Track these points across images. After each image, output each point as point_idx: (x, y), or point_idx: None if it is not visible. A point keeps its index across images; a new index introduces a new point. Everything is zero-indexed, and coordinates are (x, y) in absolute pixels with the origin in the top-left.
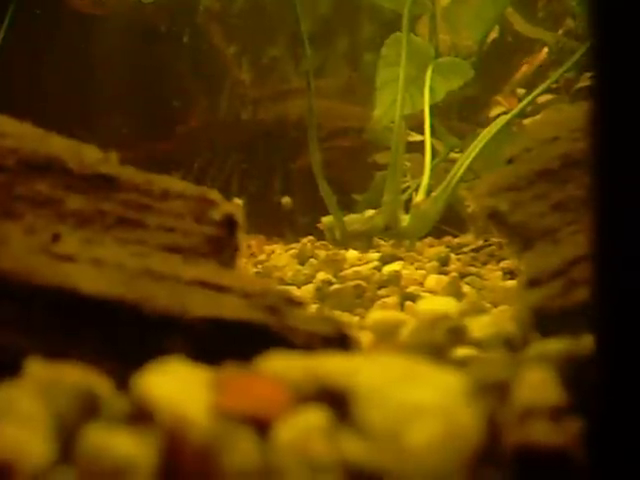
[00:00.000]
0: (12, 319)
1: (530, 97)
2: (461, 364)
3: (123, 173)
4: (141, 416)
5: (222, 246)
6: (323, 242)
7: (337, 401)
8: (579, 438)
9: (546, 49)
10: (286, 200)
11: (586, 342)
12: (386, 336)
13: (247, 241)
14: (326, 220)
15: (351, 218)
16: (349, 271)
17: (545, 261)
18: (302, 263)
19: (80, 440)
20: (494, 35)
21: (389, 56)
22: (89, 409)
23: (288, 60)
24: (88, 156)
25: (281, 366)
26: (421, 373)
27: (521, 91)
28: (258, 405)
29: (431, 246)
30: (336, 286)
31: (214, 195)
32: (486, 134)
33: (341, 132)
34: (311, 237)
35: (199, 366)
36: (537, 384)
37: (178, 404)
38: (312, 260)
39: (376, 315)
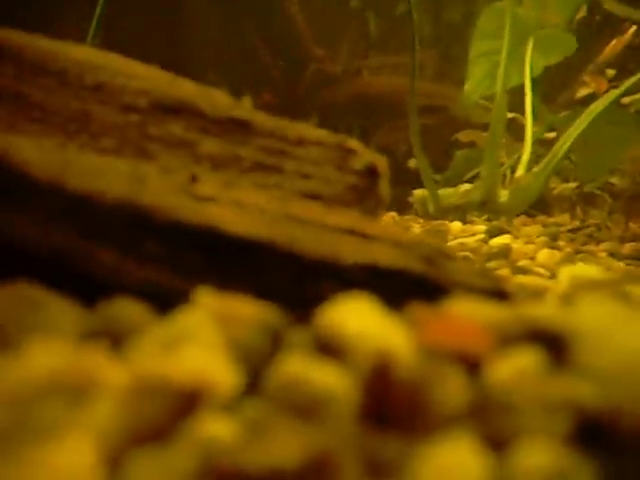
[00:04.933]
0: (158, 256)
1: (638, 76)
2: None
3: (257, 118)
4: (331, 350)
5: (364, 196)
6: (412, 216)
7: (551, 344)
8: None
9: (634, 28)
10: (413, 162)
11: None
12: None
13: None
14: (418, 193)
15: (445, 192)
16: (454, 242)
17: None
18: None
19: (272, 371)
20: (582, 13)
21: (486, 28)
22: (272, 341)
23: (368, 36)
24: (220, 100)
25: (475, 309)
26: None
27: (610, 71)
28: (465, 343)
29: (525, 225)
30: None
31: (354, 144)
32: (589, 113)
33: (423, 110)
34: (393, 213)
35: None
36: None
37: (378, 339)
38: (413, 230)
39: (517, 279)
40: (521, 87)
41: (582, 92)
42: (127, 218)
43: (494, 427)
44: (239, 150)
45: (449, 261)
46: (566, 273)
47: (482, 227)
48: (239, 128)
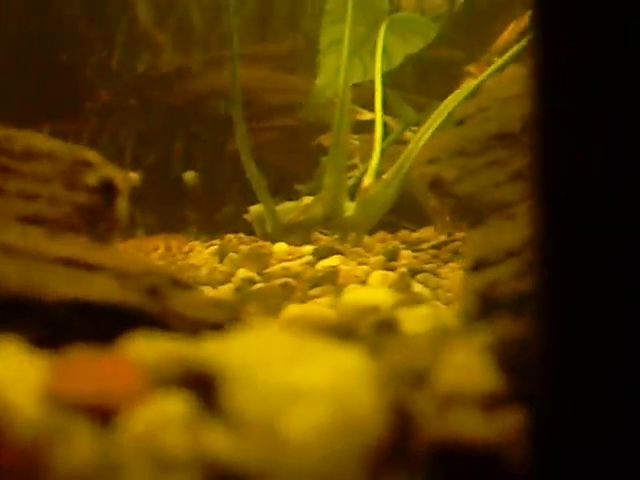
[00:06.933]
0: None
1: (499, 63)
2: (374, 349)
3: None
4: None
5: (97, 218)
6: (254, 237)
7: (203, 386)
8: (517, 433)
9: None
10: (190, 175)
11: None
12: None
13: (166, 241)
14: (254, 210)
15: (285, 207)
16: (276, 267)
17: (497, 239)
18: (223, 260)
19: None
20: None
21: (335, 11)
22: None
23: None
24: None
25: (144, 348)
26: (310, 351)
27: (498, 60)
28: (101, 391)
29: (383, 241)
30: (260, 285)
31: (91, 156)
32: (446, 106)
33: (284, 108)
34: (240, 234)
35: (46, 351)
36: (464, 366)
37: (0, 389)
38: (232, 255)
39: (293, 310)
40: (391, 79)
41: (467, 84)
42: None
43: None
44: None
45: (180, 292)
46: (346, 300)
47: (310, 248)
48: None
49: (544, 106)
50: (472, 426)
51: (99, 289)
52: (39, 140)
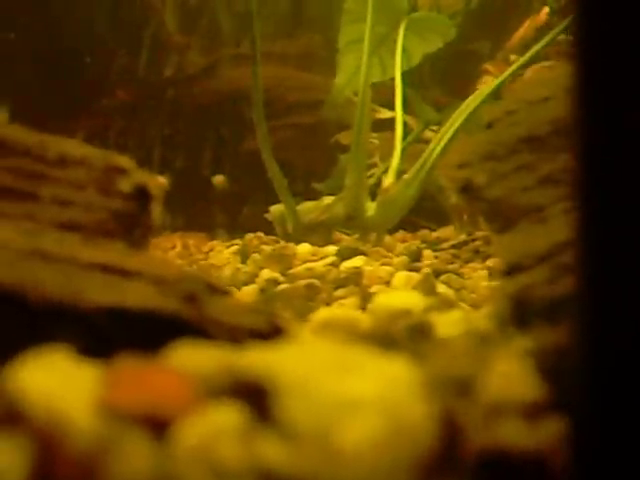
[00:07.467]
0: None
1: (521, 61)
2: (417, 357)
3: (9, 134)
4: (11, 416)
5: (132, 224)
6: (274, 237)
7: (255, 396)
8: (559, 440)
9: (546, 9)
10: (219, 179)
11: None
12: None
13: (184, 239)
14: (275, 209)
15: (306, 206)
16: (300, 268)
17: (529, 243)
18: (245, 261)
19: None
20: None
21: (354, 10)
22: None
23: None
24: None
25: (192, 358)
26: (360, 362)
27: (515, 58)
28: (156, 401)
29: (404, 241)
30: (284, 286)
31: (124, 162)
32: (467, 105)
33: (302, 106)
34: (260, 233)
35: (90, 359)
36: (508, 376)
37: (55, 400)
38: (255, 256)
39: (324, 314)
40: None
41: (485, 82)
42: None
43: None
44: None
45: (216, 298)
46: (377, 303)
47: (333, 249)
48: None
49: (586, 106)
50: (518, 435)
51: (136, 295)
52: (72, 146)
